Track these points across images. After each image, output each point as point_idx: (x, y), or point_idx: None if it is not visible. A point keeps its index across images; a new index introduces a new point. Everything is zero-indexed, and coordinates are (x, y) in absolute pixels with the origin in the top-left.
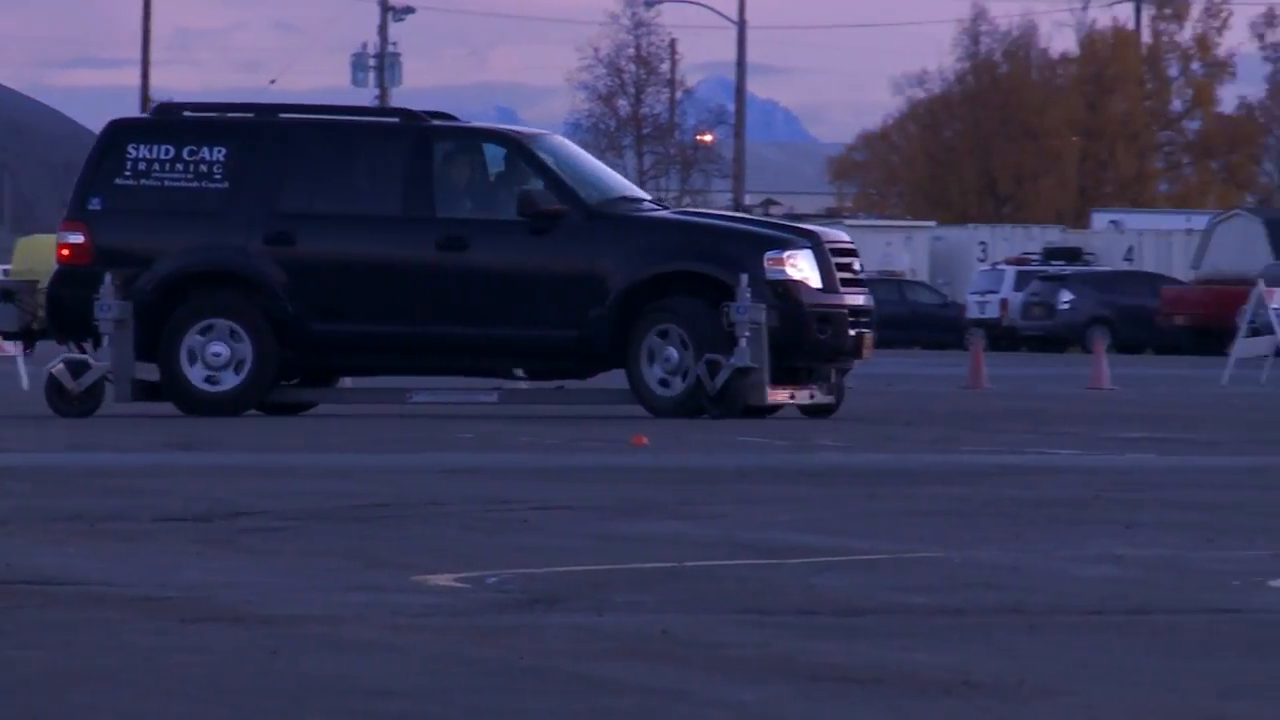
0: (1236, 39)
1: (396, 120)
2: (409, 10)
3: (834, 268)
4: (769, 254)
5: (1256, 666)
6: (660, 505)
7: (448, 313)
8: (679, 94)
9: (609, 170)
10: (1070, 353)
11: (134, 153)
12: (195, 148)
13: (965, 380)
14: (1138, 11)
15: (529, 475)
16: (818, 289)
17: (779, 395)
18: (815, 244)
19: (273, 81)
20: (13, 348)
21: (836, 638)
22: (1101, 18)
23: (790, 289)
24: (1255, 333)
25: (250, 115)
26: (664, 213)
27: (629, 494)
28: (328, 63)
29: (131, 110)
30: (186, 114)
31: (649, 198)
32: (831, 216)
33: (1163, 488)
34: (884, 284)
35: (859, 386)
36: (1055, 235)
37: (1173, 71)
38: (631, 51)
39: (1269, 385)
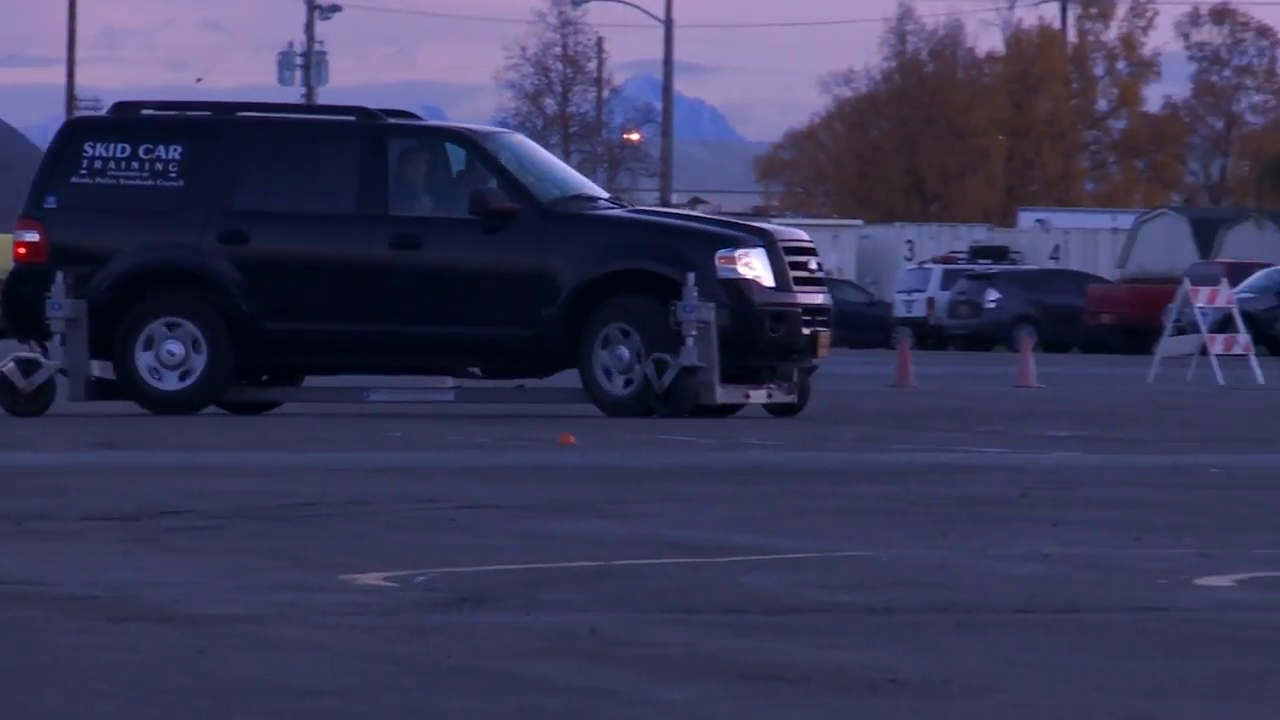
0: (1162, 38)
1: (352, 119)
2: (335, 9)
3: (787, 266)
4: (720, 252)
5: (1183, 665)
6: (588, 504)
7: (400, 311)
8: (606, 93)
9: (567, 169)
10: (997, 351)
11: (90, 151)
12: (151, 146)
13: (892, 379)
14: (1063, 11)
15: (457, 474)
16: (770, 288)
17: (732, 394)
18: (768, 243)
19: (199, 80)
20: None
21: (764, 636)
22: (1027, 17)
23: (742, 288)
24: (1181, 331)
25: (207, 114)
26: (618, 211)
27: (557, 493)
28: (254, 61)
29: (55, 108)
30: (144, 113)
31: (606, 196)
32: (758, 215)
33: (1089, 486)
34: None
35: None
36: (982, 234)
37: (1098, 71)
38: (559, 50)
39: (1195, 384)
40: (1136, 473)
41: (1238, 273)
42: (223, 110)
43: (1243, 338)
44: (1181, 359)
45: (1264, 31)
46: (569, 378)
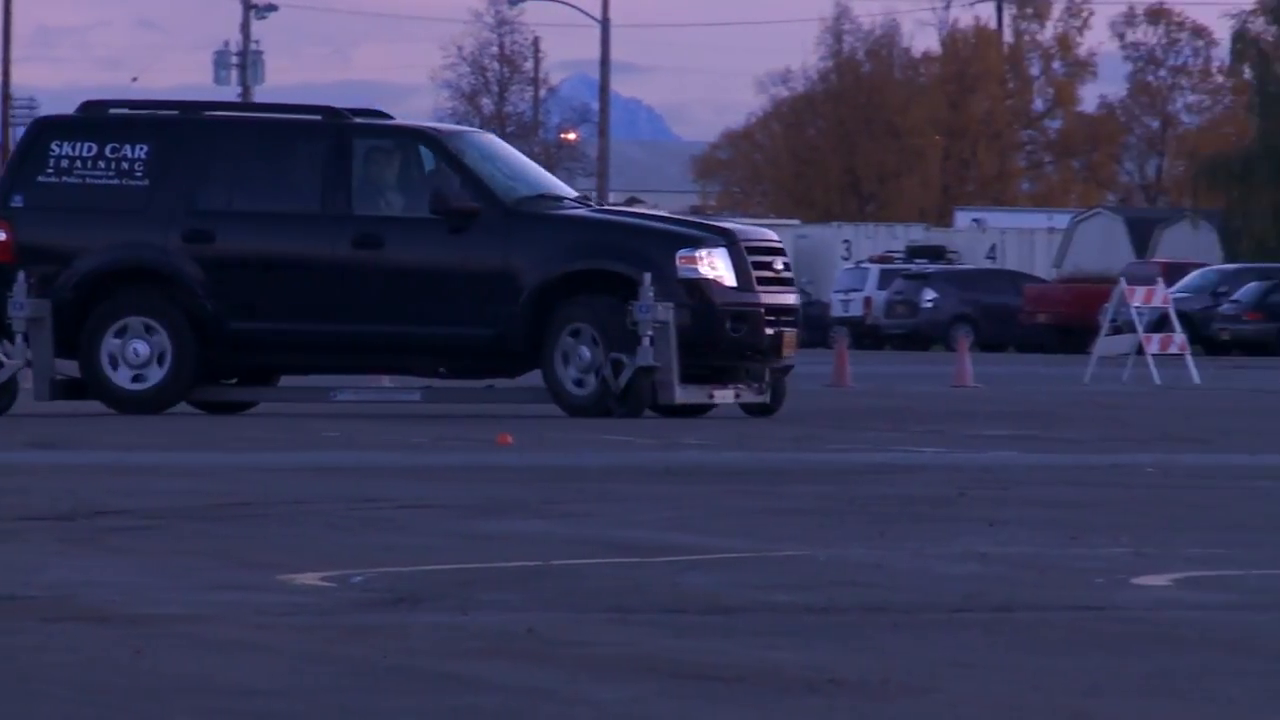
0: (1097, 38)
1: (318, 118)
2: (271, 8)
3: (750, 266)
4: (681, 252)
5: (1119, 664)
6: (525, 504)
7: (363, 311)
8: (543, 92)
9: (536, 169)
10: (934, 351)
11: (57, 150)
12: (118, 145)
13: (829, 378)
14: (999, 11)
15: (394, 474)
16: (732, 287)
17: (695, 395)
18: (731, 242)
19: (135, 79)
20: None
21: (702, 636)
22: (963, 17)
23: (703, 287)
24: (1117, 331)
25: (175, 113)
26: (581, 211)
27: (494, 493)
28: (191, 61)
29: None
30: (112, 112)
31: (573, 196)
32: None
33: (1026, 486)
34: None
35: None
36: (919, 234)
37: (1034, 71)
38: (495, 50)
39: (1131, 384)
40: (1073, 472)
41: (1174, 272)
42: (190, 110)
43: (1179, 337)
44: (1118, 359)
45: (1199, 31)
46: (539, 378)
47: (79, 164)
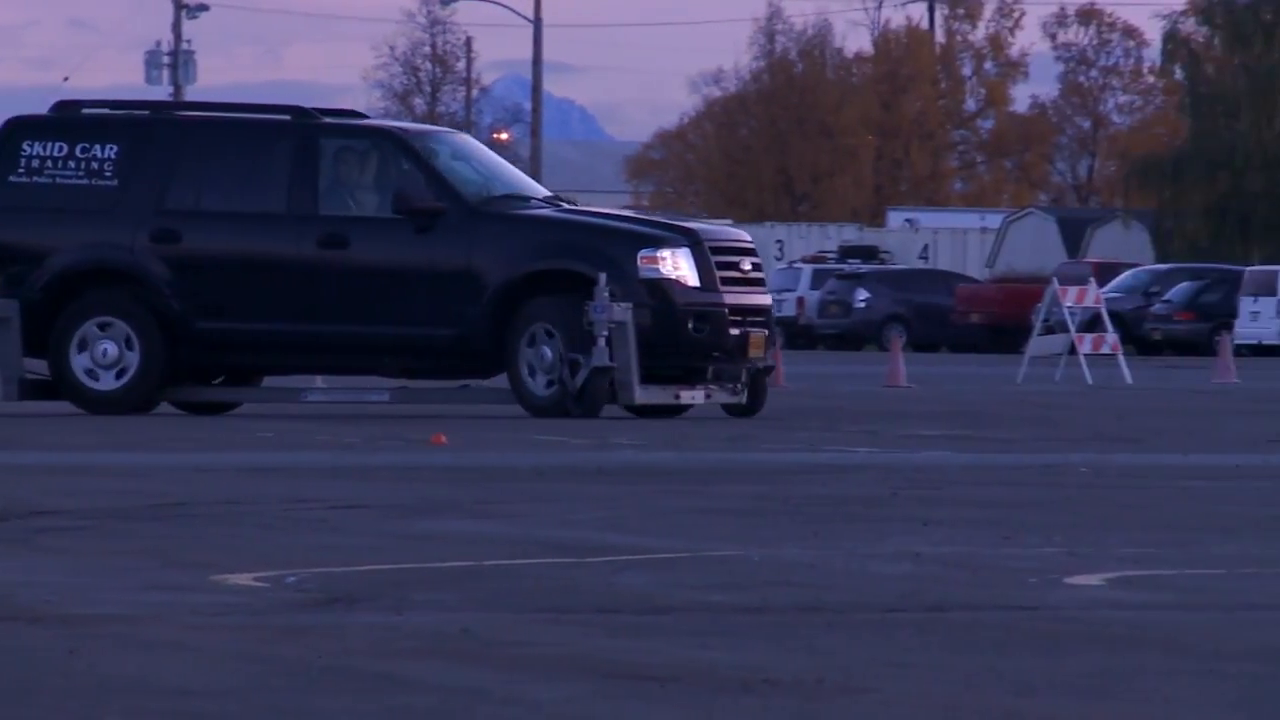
0: (1029, 39)
1: (287, 118)
2: (203, 8)
3: (713, 266)
4: (643, 252)
5: (1053, 664)
6: (459, 504)
7: (328, 311)
8: (475, 92)
9: (510, 169)
10: (867, 351)
11: (29, 150)
12: (88, 145)
13: None
14: (931, 11)
15: (328, 474)
16: (694, 287)
17: (658, 395)
18: (694, 242)
19: (66, 79)
20: None
21: (637, 636)
22: (895, 17)
23: (664, 287)
24: (1050, 331)
25: (146, 113)
26: (546, 210)
27: (428, 493)
28: (122, 60)
29: None
30: (85, 111)
31: (542, 196)
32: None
33: (959, 485)
34: None
35: None
36: (851, 234)
37: (966, 71)
38: (428, 50)
39: (1064, 383)
40: (1006, 472)
41: (1105, 272)
42: (161, 109)
43: (1111, 337)
44: (1050, 358)
45: (1130, 32)
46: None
47: (50, 164)
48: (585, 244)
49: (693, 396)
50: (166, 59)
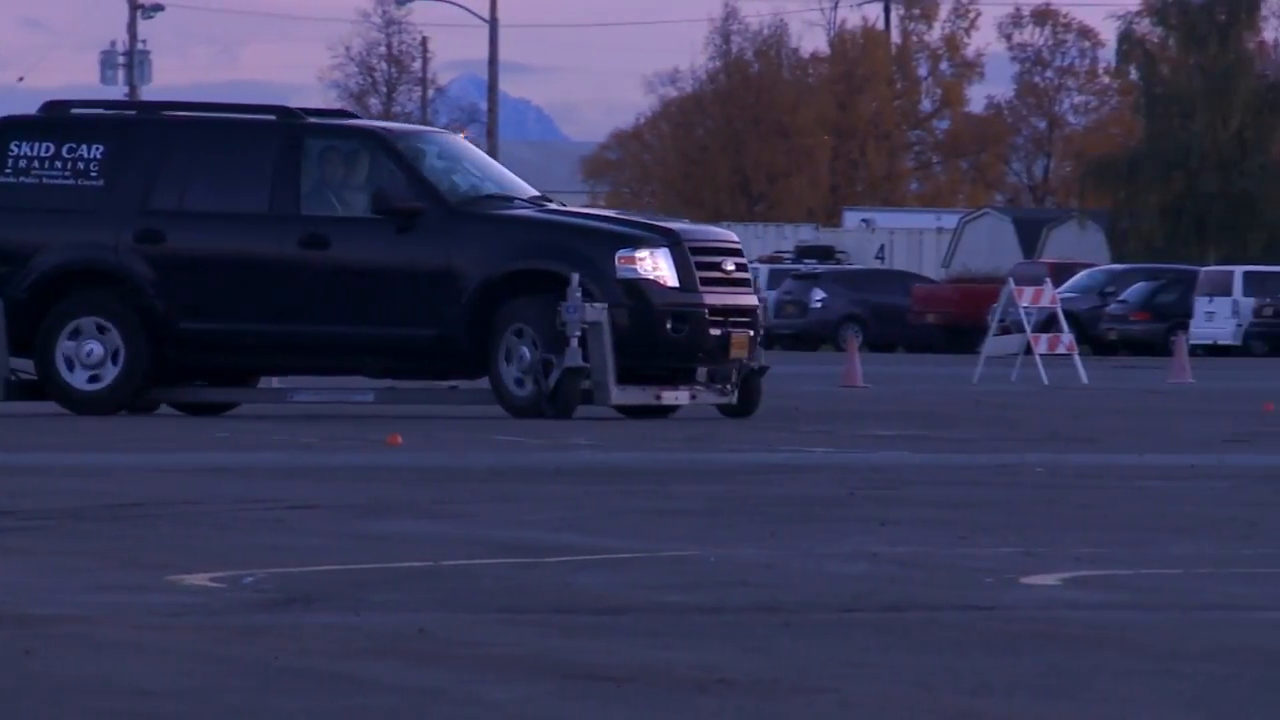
0: (985, 39)
1: (272, 118)
2: (158, 8)
3: (693, 266)
4: (620, 252)
5: (1009, 663)
6: (416, 504)
7: (309, 311)
8: (431, 92)
9: (499, 170)
10: (823, 351)
11: (16, 150)
12: (75, 145)
13: None
14: (887, 11)
15: (283, 475)
16: (673, 288)
17: (637, 396)
18: (674, 242)
19: (21, 79)
20: None
21: (593, 636)
22: (851, 18)
23: (642, 288)
24: (1005, 331)
25: (133, 113)
26: (527, 211)
27: (384, 493)
28: (77, 60)
29: None
30: (73, 111)
31: (525, 196)
32: None
33: (916, 485)
34: None
35: None
36: (808, 234)
37: (922, 71)
38: (383, 50)
39: (1020, 384)
40: (962, 472)
41: (1061, 272)
42: (148, 110)
43: (1066, 337)
44: (1006, 359)
45: (1086, 32)
46: None
47: (36, 164)
48: (563, 244)
49: (676, 397)
50: (122, 59)
